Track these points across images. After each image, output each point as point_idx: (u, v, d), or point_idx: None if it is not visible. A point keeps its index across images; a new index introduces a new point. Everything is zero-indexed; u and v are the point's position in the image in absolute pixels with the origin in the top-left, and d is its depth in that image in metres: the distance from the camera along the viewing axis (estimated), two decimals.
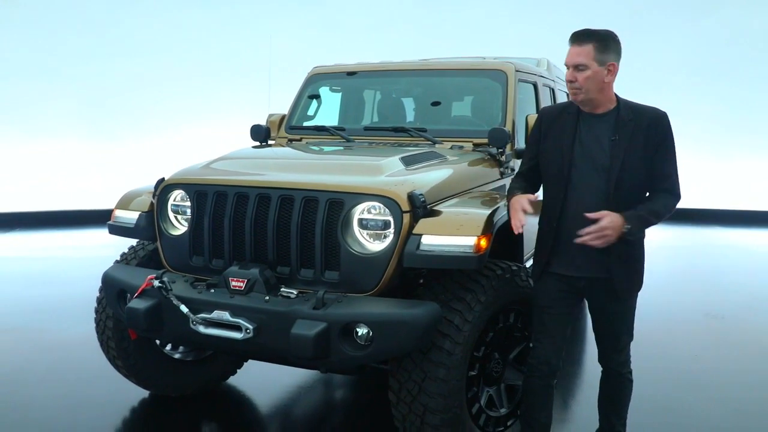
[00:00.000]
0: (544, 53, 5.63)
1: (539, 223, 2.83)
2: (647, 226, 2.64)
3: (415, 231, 2.71)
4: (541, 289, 2.81)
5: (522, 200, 2.66)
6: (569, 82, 2.61)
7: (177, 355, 3.81)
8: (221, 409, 3.85)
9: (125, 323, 3.08)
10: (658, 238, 10.18)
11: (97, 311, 3.55)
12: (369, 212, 2.80)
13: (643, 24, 12.15)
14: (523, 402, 2.95)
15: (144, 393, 3.88)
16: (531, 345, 2.89)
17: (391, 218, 2.75)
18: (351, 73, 4.54)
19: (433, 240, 2.68)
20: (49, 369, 4.33)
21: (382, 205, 2.76)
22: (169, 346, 3.78)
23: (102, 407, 3.75)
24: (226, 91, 11.37)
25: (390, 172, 2.96)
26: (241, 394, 4.06)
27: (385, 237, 2.78)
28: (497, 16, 11.92)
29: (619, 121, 2.61)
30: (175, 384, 3.77)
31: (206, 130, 10.73)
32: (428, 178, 3.01)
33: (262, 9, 11.94)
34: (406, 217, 2.73)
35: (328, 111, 4.68)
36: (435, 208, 2.85)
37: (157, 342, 3.66)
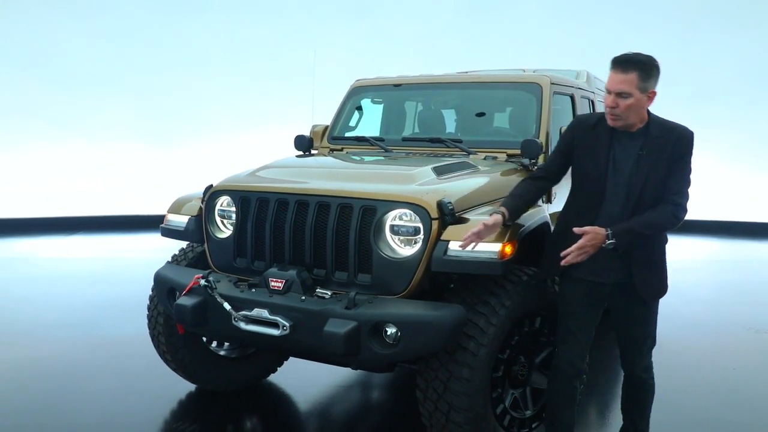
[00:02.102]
0: (591, 64, 5.67)
1: (562, 228, 2.92)
2: (638, 237, 2.69)
3: (443, 237, 2.85)
4: (565, 294, 2.93)
5: (486, 225, 2.70)
6: (610, 107, 2.68)
7: (222, 352, 4.05)
8: (263, 404, 4.07)
9: (174, 319, 3.32)
10: (704, 251, 10.01)
11: (149, 308, 3.81)
12: (400, 219, 2.96)
13: (692, 35, 11.96)
14: (548, 402, 3.06)
15: (191, 387, 4.13)
16: (555, 348, 2.99)
17: (420, 225, 2.90)
18: (392, 86, 4.71)
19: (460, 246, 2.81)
20: (104, 362, 4.63)
21: (412, 212, 2.91)
22: (214, 344, 4.02)
23: (151, 399, 4.00)
24: (276, 101, 11.73)
25: (421, 181, 3.12)
26: (282, 391, 4.26)
27: (415, 243, 2.93)
28: (545, 27, 11.95)
29: (648, 137, 2.72)
30: (219, 379, 4.00)
31: (255, 138, 11.11)
32: (458, 187, 3.15)
33: (309, 21, 12.27)
34: (435, 224, 2.87)
35: (369, 122, 4.87)
36: (464, 215, 2.98)
37: (204, 339, 3.90)
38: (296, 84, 11.48)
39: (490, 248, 2.78)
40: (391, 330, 2.76)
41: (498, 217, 2.77)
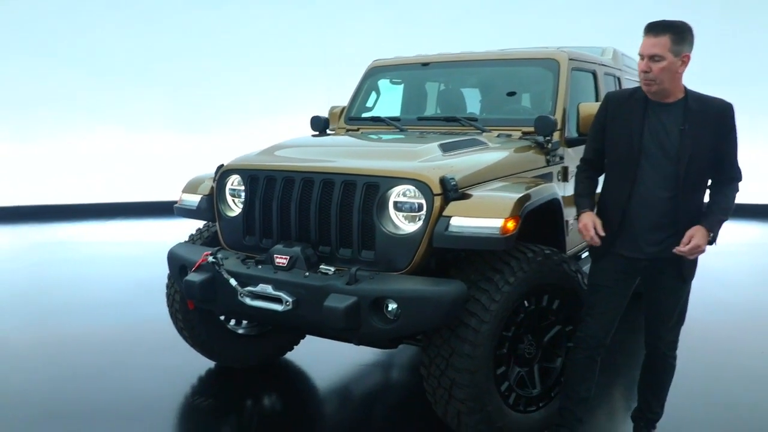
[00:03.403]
0: (624, 45, 5.51)
1: (603, 204, 2.92)
2: (722, 224, 2.75)
3: (445, 213, 2.84)
4: (599, 268, 2.91)
5: (595, 221, 2.82)
6: (643, 72, 2.65)
7: (240, 331, 4.12)
8: (280, 381, 4.14)
9: (183, 294, 3.39)
10: (745, 236, 9.67)
11: (167, 286, 3.91)
12: (404, 195, 2.95)
13: (732, 12, 11.47)
14: (566, 374, 3.07)
15: (210, 364, 4.22)
16: (582, 319, 2.99)
17: (423, 201, 2.88)
18: (410, 65, 4.68)
19: (462, 222, 2.79)
20: (133, 340, 4.79)
21: (415, 188, 2.90)
22: (232, 322, 4.10)
23: (173, 374, 4.12)
24: (307, 86, 11.78)
25: (425, 158, 3.10)
26: (299, 369, 4.32)
27: (418, 219, 2.92)
28: (576, 8, 11.63)
29: (688, 111, 2.67)
30: (236, 356, 4.08)
31: (288, 123, 11.18)
32: (463, 163, 3.11)
33: (338, 7, 12.24)
34: (438, 200, 2.86)
35: (389, 103, 4.85)
36: (468, 192, 2.95)
37: (222, 318, 3.98)
38: (328, 69, 11.51)
39: (492, 224, 2.75)
40: (391, 305, 2.77)
41: (591, 214, 2.87)
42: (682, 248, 2.65)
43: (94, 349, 4.60)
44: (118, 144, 11.54)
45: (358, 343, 2.97)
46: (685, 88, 2.73)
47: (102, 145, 11.46)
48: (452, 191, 2.87)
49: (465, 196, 2.91)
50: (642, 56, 2.65)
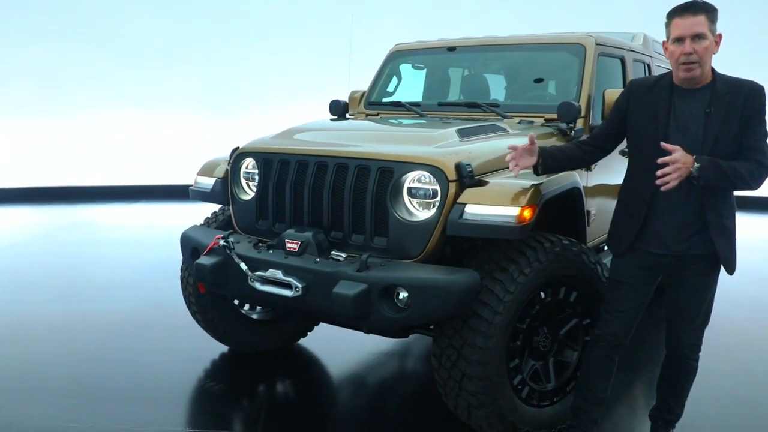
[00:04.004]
0: (659, 29, 5.31)
1: (625, 198, 2.77)
2: (722, 178, 2.47)
3: (459, 200, 2.75)
4: (621, 264, 2.76)
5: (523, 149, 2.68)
6: (686, 54, 2.48)
7: (255, 316, 4.09)
8: (293, 367, 4.10)
9: (194, 277, 3.37)
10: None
11: (182, 269, 3.90)
12: (418, 181, 2.87)
13: None
14: (581, 371, 2.94)
15: (224, 348, 4.21)
16: (600, 315, 2.85)
17: (438, 187, 2.80)
18: (433, 49, 4.58)
19: (477, 209, 2.71)
20: (149, 321, 4.81)
21: (429, 174, 2.82)
22: (247, 306, 4.07)
23: (186, 357, 4.11)
24: (329, 70, 11.70)
25: (441, 143, 3.01)
26: (313, 355, 4.28)
27: (432, 206, 2.84)
28: None
29: (715, 94, 2.53)
30: (249, 341, 4.06)
31: (309, 107, 11.15)
32: (481, 149, 3.02)
33: None
34: (453, 187, 2.77)
35: (411, 88, 4.76)
36: (484, 179, 2.86)
37: (236, 302, 3.95)
38: (352, 55, 11.39)
39: (508, 212, 2.66)
40: (402, 294, 2.70)
41: (529, 145, 2.68)
42: (662, 160, 2.41)
43: (107, 329, 4.63)
44: (145, 126, 11.63)
45: (368, 332, 2.91)
46: (714, 70, 2.59)
47: (129, 128, 11.56)
48: (468, 178, 2.78)
49: (481, 183, 2.82)
50: (681, 38, 2.48)
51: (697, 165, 2.42)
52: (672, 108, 2.58)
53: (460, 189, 2.78)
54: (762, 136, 2.53)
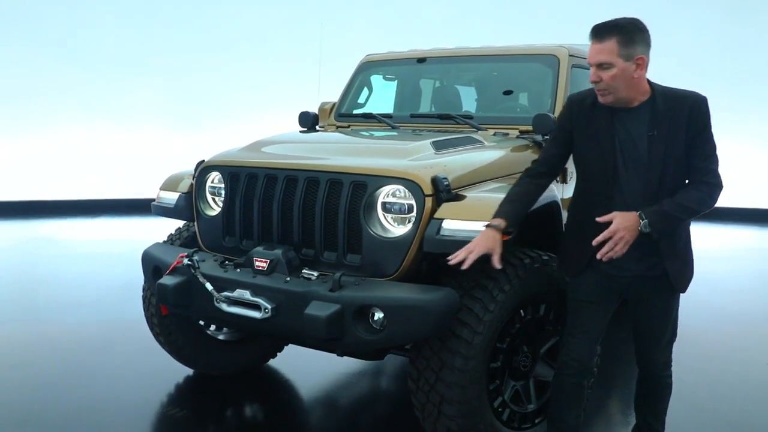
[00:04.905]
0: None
1: (576, 221, 2.63)
2: (673, 222, 2.38)
3: (436, 215, 2.64)
4: (580, 283, 2.62)
5: (489, 248, 2.43)
6: (593, 82, 2.38)
7: (221, 336, 3.91)
8: (262, 390, 3.93)
9: (156, 299, 3.19)
10: (738, 240, 9.54)
11: (144, 289, 3.71)
12: (393, 195, 2.76)
13: (739, 11, 11.31)
14: (551, 400, 2.81)
15: (189, 370, 4.01)
16: (563, 340, 2.72)
17: (413, 202, 2.69)
18: (404, 60, 4.49)
19: (455, 225, 2.60)
20: (109, 342, 4.57)
21: (405, 189, 2.71)
22: (213, 327, 3.89)
23: (149, 381, 3.90)
24: (299, 81, 11.57)
25: (416, 156, 2.90)
26: (283, 377, 4.11)
27: (408, 221, 2.73)
28: (583, 7, 11.46)
29: (656, 113, 2.38)
30: (216, 364, 3.87)
31: (285, 118, 10.99)
32: (457, 162, 2.92)
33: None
34: (429, 201, 2.66)
35: (382, 100, 4.65)
36: (461, 192, 2.76)
37: (200, 323, 3.77)
38: (322, 66, 11.28)
39: None
40: (378, 314, 2.57)
41: (492, 233, 2.45)
42: (599, 238, 2.31)
43: (66, 351, 4.39)
44: (108, 139, 11.28)
45: (341, 354, 2.78)
46: (652, 86, 2.43)
47: (92, 139, 11.20)
48: (445, 192, 2.67)
49: (458, 198, 2.72)
50: (590, 65, 2.35)
51: (644, 222, 2.31)
52: (615, 129, 2.43)
53: (437, 204, 2.67)
54: (709, 153, 2.40)
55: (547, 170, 2.68)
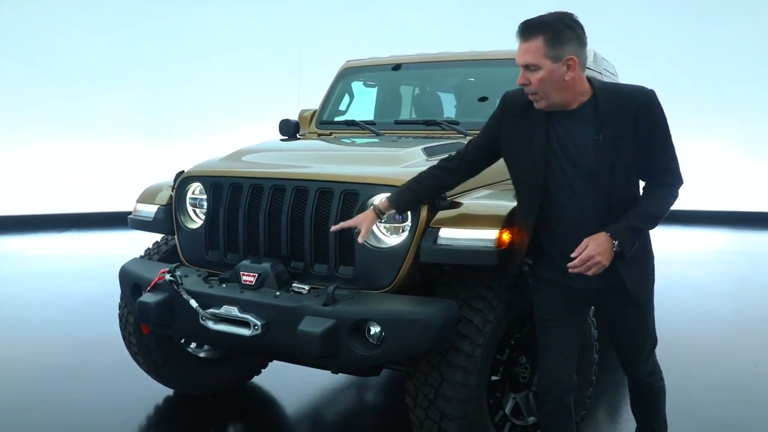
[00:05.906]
0: (607, 52, 5.32)
1: (519, 228, 2.44)
2: (641, 233, 2.25)
3: (432, 224, 2.55)
4: (545, 301, 2.41)
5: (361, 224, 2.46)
6: (521, 86, 2.19)
7: (202, 354, 3.75)
8: (246, 409, 3.77)
9: (137, 317, 3.03)
10: (717, 243, 9.66)
11: (120, 306, 3.53)
12: None
13: (712, 16, 11.47)
14: (540, 426, 2.66)
15: (168, 391, 3.83)
16: (538, 363, 2.54)
17: (409, 211, 2.59)
18: (385, 66, 4.40)
19: (452, 233, 2.51)
20: (81, 362, 4.38)
21: None
22: (193, 345, 3.72)
23: (125, 404, 3.72)
24: (282, 91, 11.42)
25: (409, 163, 2.81)
26: (267, 394, 3.97)
27: (402, 231, 2.63)
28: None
29: (600, 114, 2.16)
30: (197, 383, 3.71)
31: (261, 129, 10.80)
32: None
33: (311, 10, 11.93)
34: (424, 210, 2.57)
35: (362, 107, 4.55)
36: (457, 200, 2.67)
37: (182, 341, 3.60)
38: (301, 73, 11.13)
39: (486, 235, 2.47)
40: (374, 329, 2.46)
41: (371, 214, 2.46)
42: (572, 263, 2.15)
43: (36, 372, 4.18)
44: (77, 151, 10.96)
45: (336, 371, 2.65)
46: (593, 84, 2.21)
47: (61, 153, 10.86)
48: (441, 199, 2.58)
49: (454, 205, 2.63)
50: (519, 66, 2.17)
51: (616, 243, 2.14)
52: (552, 134, 2.22)
53: (433, 212, 2.58)
54: (668, 150, 2.22)
55: (465, 169, 2.53)
